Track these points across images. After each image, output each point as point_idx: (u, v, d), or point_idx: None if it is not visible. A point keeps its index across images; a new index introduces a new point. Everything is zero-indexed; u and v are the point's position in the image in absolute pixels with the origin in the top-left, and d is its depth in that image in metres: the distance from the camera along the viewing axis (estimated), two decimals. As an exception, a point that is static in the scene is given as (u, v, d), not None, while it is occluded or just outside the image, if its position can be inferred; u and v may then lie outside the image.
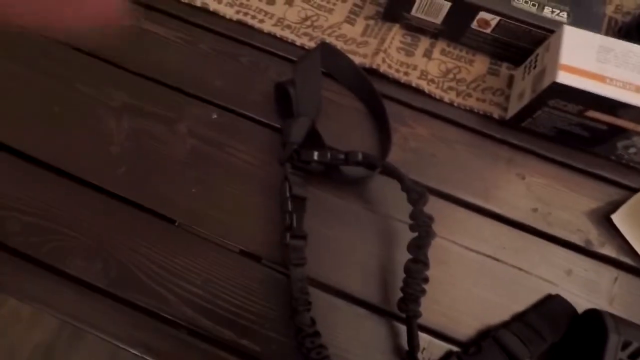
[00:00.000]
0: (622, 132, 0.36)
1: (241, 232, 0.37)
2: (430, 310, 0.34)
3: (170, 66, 0.42)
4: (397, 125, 0.41)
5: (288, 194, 0.34)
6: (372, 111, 0.41)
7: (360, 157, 0.33)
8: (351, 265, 0.36)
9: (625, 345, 0.29)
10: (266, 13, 0.44)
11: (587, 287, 0.36)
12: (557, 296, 0.35)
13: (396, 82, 0.42)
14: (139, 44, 0.43)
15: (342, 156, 0.34)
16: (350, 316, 0.35)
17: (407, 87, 0.42)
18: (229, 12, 0.44)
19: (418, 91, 0.42)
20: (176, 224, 0.37)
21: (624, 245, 0.37)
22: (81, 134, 0.39)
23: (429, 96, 0.42)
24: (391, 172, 0.33)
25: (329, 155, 0.34)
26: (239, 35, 0.44)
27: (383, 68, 0.42)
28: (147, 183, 0.38)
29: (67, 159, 0.38)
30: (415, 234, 0.32)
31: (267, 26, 0.44)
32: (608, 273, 0.37)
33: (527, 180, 0.40)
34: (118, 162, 0.38)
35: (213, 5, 0.44)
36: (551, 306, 0.35)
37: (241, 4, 0.44)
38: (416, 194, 0.31)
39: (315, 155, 0.34)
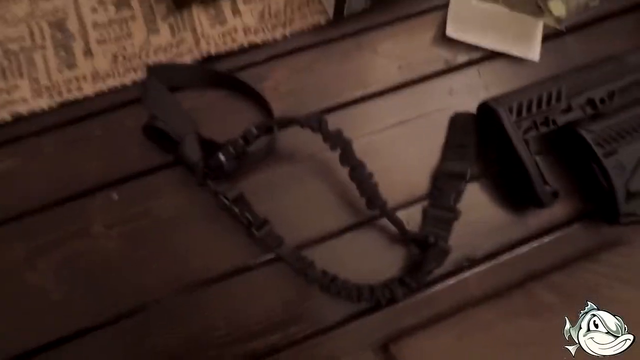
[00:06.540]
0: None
1: (219, 258, 0.38)
2: (388, 194, 0.40)
3: (36, 187, 0.39)
4: (261, 84, 0.43)
5: (227, 202, 0.36)
6: (234, 90, 0.43)
7: (254, 130, 0.35)
8: (313, 212, 0.40)
9: (511, 110, 0.37)
10: (77, 79, 0.42)
11: (467, 92, 0.44)
12: (456, 113, 0.43)
13: (233, 53, 0.44)
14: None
15: (241, 141, 0.36)
16: (345, 245, 0.40)
17: (244, 50, 0.44)
18: (46, 103, 0.41)
19: (254, 46, 0.44)
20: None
21: (467, 45, 0.45)
22: (15, 308, 0.37)
23: (265, 44, 0.44)
24: (285, 122, 0.36)
25: (230, 148, 0.36)
26: (73, 115, 0.41)
27: (212, 50, 0.43)
28: (110, 294, 0.37)
29: (21, 339, 0.36)
30: (338, 150, 0.36)
31: (89, 89, 0.41)
32: (472, 72, 0.45)
33: (379, 51, 0.45)
34: (68, 301, 0.37)
35: (24, 109, 0.40)
36: (458, 122, 0.42)
37: (48, 88, 0.41)
38: (314, 122, 0.35)
39: (221, 156, 0.36)
